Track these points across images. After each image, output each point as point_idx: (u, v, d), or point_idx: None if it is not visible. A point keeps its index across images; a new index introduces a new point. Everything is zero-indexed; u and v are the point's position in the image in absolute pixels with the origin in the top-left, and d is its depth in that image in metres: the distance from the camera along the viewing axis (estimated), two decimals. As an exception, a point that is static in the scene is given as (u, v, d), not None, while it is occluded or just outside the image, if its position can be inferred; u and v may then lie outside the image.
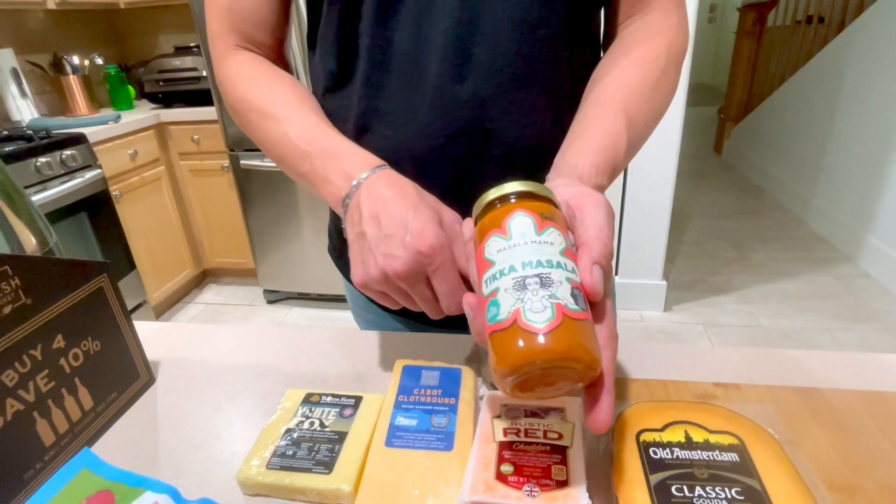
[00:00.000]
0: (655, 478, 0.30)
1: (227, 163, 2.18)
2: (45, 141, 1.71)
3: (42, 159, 1.68)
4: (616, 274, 2.15)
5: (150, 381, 0.48)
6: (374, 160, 0.42)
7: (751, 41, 3.63)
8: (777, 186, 3.25)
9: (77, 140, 1.81)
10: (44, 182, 1.70)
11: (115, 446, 0.41)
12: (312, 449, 0.36)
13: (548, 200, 0.32)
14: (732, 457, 0.31)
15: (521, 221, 0.30)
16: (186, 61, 2.22)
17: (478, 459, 0.33)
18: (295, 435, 0.38)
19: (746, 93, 3.78)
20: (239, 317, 2.34)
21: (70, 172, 1.78)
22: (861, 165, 2.40)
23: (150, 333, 0.55)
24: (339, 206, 0.41)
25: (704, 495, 0.29)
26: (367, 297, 0.63)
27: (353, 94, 0.50)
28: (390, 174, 0.40)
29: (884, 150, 2.25)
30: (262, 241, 2.26)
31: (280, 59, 0.56)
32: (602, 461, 0.35)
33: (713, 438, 0.32)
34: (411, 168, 0.45)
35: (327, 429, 0.38)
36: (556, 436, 0.34)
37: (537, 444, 0.34)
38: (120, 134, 2.00)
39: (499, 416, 0.36)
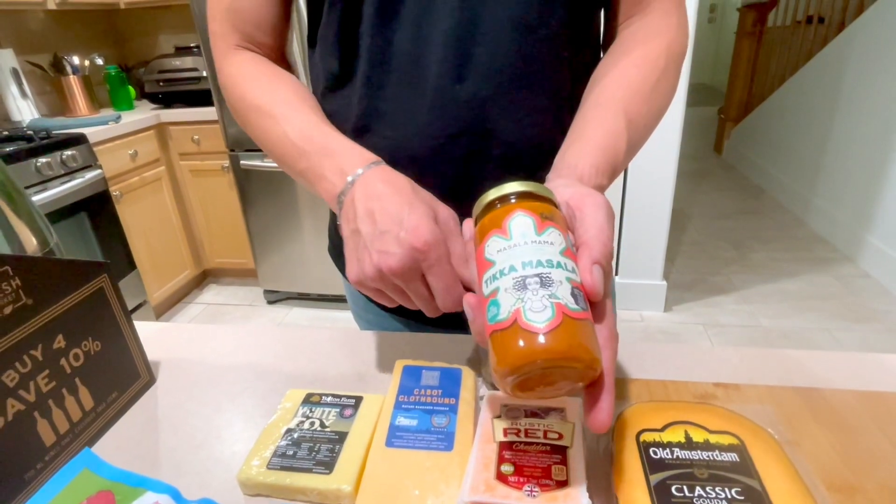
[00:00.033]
0: (655, 478, 0.30)
1: (227, 163, 2.18)
2: (45, 141, 1.72)
3: (42, 160, 1.68)
4: (616, 274, 2.15)
5: (151, 381, 0.48)
6: (370, 156, 0.42)
7: (751, 41, 3.63)
8: (777, 186, 3.25)
9: (77, 140, 1.81)
10: (44, 182, 1.70)
11: (116, 446, 0.41)
12: (313, 449, 0.36)
13: (548, 200, 0.32)
14: (732, 457, 0.31)
15: (521, 221, 0.30)
16: (187, 61, 2.22)
17: (478, 459, 0.33)
18: (295, 435, 0.38)
19: (746, 93, 3.78)
20: (239, 317, 2.34)
21: (70, 173, 1.78)
22: (861, 165, 2.40)
23: (150, 334, 0.55)
24: (335, 202, 0.41)
25: (704, 495, 0.29)
26: (367, 298, 0.63)
27: (353, 94, 0.50)
28: (385, 170, 0.40)
29: (884, 150, 2.25)
30: (263, 241, 2.26)
31: (281, 58, 0.56)
32: (602, 461, 0.35)
33: (713, 438, 0.32)
34: (411, 168, 0.45)
35: (328, 429, 0.38)
36: (556, 436, 0.34)
37: (537, 444, 0.34)
38: (120, 134, 2.00)
39: (499, 417, 0.36)
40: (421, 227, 0.35)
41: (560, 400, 0.37)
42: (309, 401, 0.41)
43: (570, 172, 0.39)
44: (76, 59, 2.22)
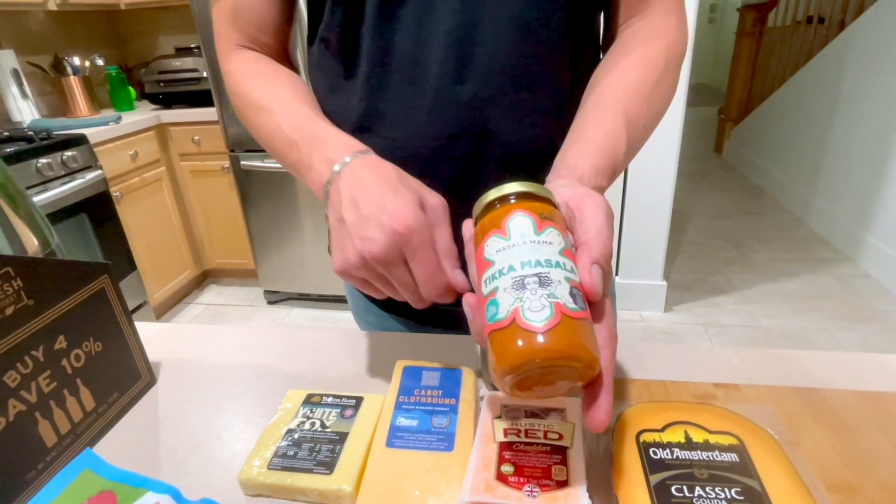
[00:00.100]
0: (655, 478, 0.30)
1: (227, 163, 2.18)
2: (45, 142, 1.72)
3: (43, 160, 1.69)
4: (616, 274, 2.15)
5: (152, 381, 0.48)
6: (357, 145, 0.42)
7: (751, 41, 3.63)
8: (777, 186, 3.25)
9: (78, 141, 1.81)
10: (45, 183, 1.70)
11: (117, 447, 0.41)
12: (313, 449, 0.36)
13: (547, 201, 0.32)
14: (732, 457, 0.31)
15: (520, 221, 0.30)
16: (187, 62, 2.22)
17: (478, 460, 0.33)
18: (296, 435, 0.38)
19: (746, 93, 3.78)
20: (239, 317, 2.34)
21: (71, 173, 1.79)
22: (861, 165, 2.40)
23: (151, 334, 0.55)
24: (322, 192, 0.41)
25: (704, 495, 0.29)
26: (367, 298, 0.63)
27: (353, 94, 0.51)
28: (372, 159, 0.40)
29: (884, 150, 2.25)
30: (263, 241, 2.26)
31: (285, 59, 0.56)
32: (602, 461, 0.35)
33: (713, 439, 0.32)
34: (412, 169, 0.45)
35: (328, 429, 0.38)
36: (556, 436, 0.34)
37: (537, 444, 0.34)
38: (120, 135, 2.00)
39: (499, 417, 0.36)
40: (403, 212, 0.35)
41: (560, 400, 0.37)
42: (309, 401, 0.41)
43: (569, 173, 0.39)
44: (77, 60, 2.22)
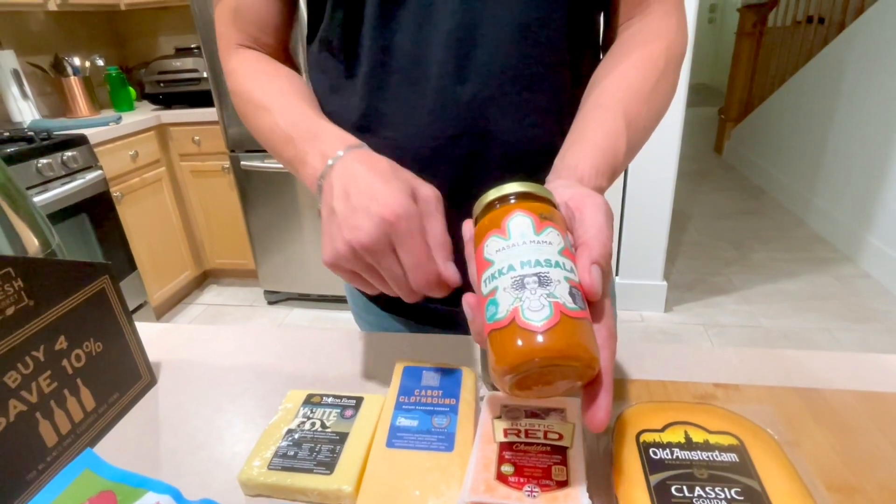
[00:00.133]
0: (655, 478, 0.30)
1: (227, 164, 2.18)
2: (46, 142, 1.72)
3: (43, 160, 1.69)
4: (616, 274, 2.15)
5: (152, 382, 0.48)
6: (351, 140, 0.42)
7: (751, 42, 3.63)
8: (777, 187, 3.25)
9: (78, 141, 1.81)
10: (45, 183, 1.70)
11: (117, 447, 0.41)
12: (314, 449, 0.36)
13: (547, 201, 0.32)
14: (732, 457, 0.31)
15: (519, 221, 0.30)
16: (187, 62, 2.22)
17: (478, 460, 0.33)
18: (296, 436, 0.38)
19: (746, 93, 3.78)
20: (240, 318, 2.34)
21: (71, 174, 1.79)
22: (861, 165, 2.40)
23: (151, 335, 0.55)
24: (315, 186, 0.41)
25: (704, 496, 0.29)
26: (367, 298, 0.63)
27: (354, 95, 0.51)
28: (365, 152, 0.40)
29: (884, 150, 2.25)
30: (263, 241, 2.26)
31: (286, 58, 0.56)
32: (602, 462, 0.35)
33: (713, 439, 0.32)
34: (412, 168, 0.45)
35: (328, 429, 0.38)
36: (556, 436, 0.34)
37: (538, 444, 0.34)
38: (121, 135, 2.01)
39: (499, 417, 0.36)
40: (391, 200, 0.35)
41: (560, 400, 0.37)
42: (310, 401, 0.41)
43: (569, 173, 0.39)
44: (77, 60, 2.22)
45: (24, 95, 2.10)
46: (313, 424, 0.39)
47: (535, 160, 0.49)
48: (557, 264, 0.29)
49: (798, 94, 3.03)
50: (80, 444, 0.40)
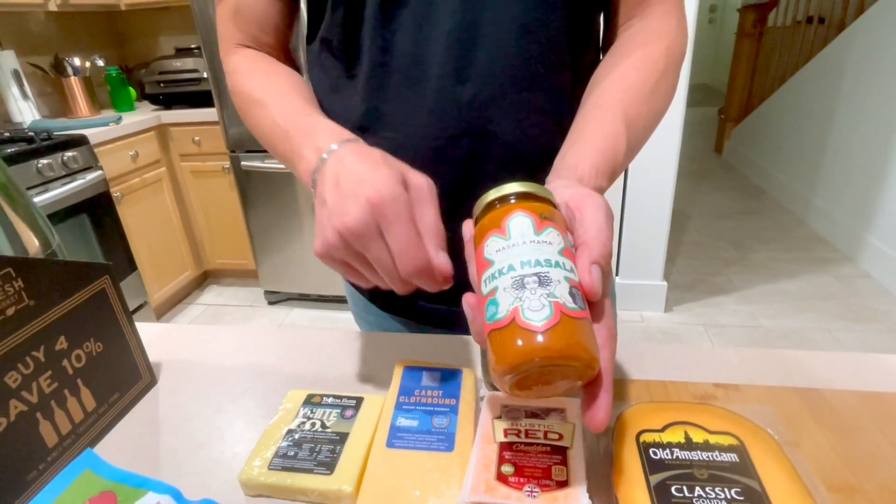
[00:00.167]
0: (655, 478, 0.30)
1: (227, 164, 2.18)
2: (46, 142, 1.72)
3: (43, 161, 1.69)
4: (616, 274, 2.15)
5: (152, 382, 0.48)
6: (346, 134, 0.41)
7: (751, 42, 3.63)
8: (777, 187, 3.25)
9: (78, 141, 1.81)
10: (45, 183, 1.70)
11: (118, 447, 0.41)
12: (314, 450, 0.36)
13: (547, 201, 0.32)
14: (732, 457, 0.31)
15: (520, 221, 0.30)
16: (187, 63, 2.22)
17: (478, 460, 0.33)
18: (296, 436, 0.38)
19: (746, 93, 3.78)
20: (240, 318, 2.34)
21: (71, 174, 1.79)
22: (861, 165, 2.40)
23: (151, 335, 0.55)
24: (310, 180, 0.40)
25: (704, 496, 0.29)
26: (367, 299, 0.63)
27: (354, 95, 0.51)
28: (359, 146, 0.39)
29: (884, 150, 2.25)
30: (263, 242, 2.26)
31: (287, 58, 0.56)
32: (602, 462, 0.35)
33: (713, 439, 0.32)
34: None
35: (329, 430, 0.38)
36: (556, 436, 0.34)
37: (538, 444, 0.34)
38: (121, 135, 2.01)
39: (499, 417, 0.36)
40: (379, 184, 0.34)
41: (560, 400, 0.37)
42: (310, 402, 0.41)
43: (569, 174, 0.39)
44: (77, 61, 2.22)
45: (25, 96, 2.10)
46: (313, 425, 0.39)
47: (535, 160, 0.49)
48: (557, 264, 0.29)
49: (798, 94, 3.03)
50: (81, 445, 0.40)
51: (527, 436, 0.34)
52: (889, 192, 2.22)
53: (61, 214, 1.75)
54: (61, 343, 0.39)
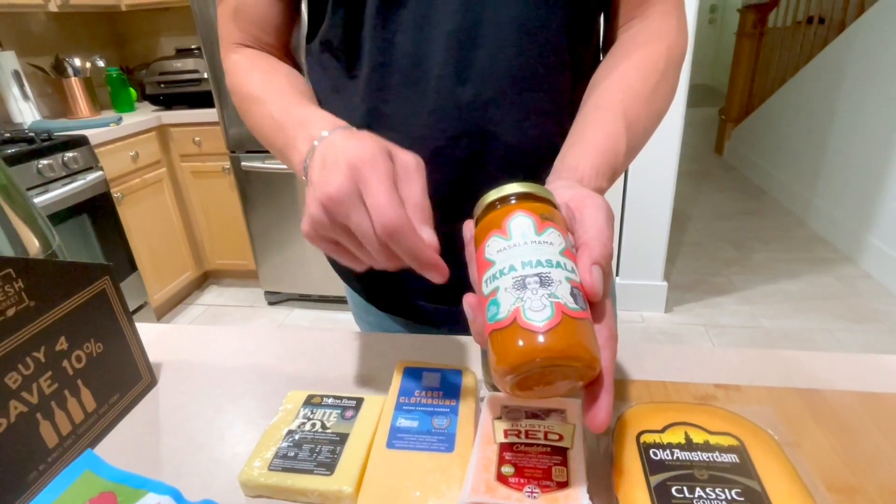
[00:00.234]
0: (656, 479, 0.30)
1: (228, 164, 2.18)
2: (46, 143, 1.72)
3: (44, 161, 1.69)
4: (617, 275, 2.15)
5: (153, 383, 0.48)
6: (339, 122, 0.41)
7: (751, 42, 3.63)
8: (778, 187, 3.25)
9: (78, 142, 1.81)
10: (45, 184, 1.71)
11: (118, 448, 0.41)
12: (314, 450, 0.36)
13: (547, 201, 0.32)
14: (732, 458, 0.31)
15: (521, 222, 0.30)
16: (188, 63, 2.22)
17: (478, 461, 0.33)
18: (297, 436, 0.38)
19: (747, 94, 3.78)
20: (240, 318, 2.34)
21: (71, 174, 1.79)
22: (862, 166, 2.40)
23: (151, 335, 0.56)
24: (302, 169, 0.40)
25: (704, 496, 0.29)
26: (366, 300, 0.63)
27: (355, 95, 0.51)
28: (350, 130, 0.39)
29: (884, 150, 2.25)
30: (264, 242, 2.26)
31: (287, 58, 0.56)
32: (602, 462, 0.35)
33: (713, 440, 0.32)
34: None
35: (329, 430, 0.38)
36: (556, 437, 0.34)
37: (538, 445, 0.34)
38: (121, 136, 2.01)
39: (499, 418, 0.36)
40: (360, 151, 0.33)
41: (560, 401, 0.37)
42: (310, 402, 0.41)
43: (570, 174, 0.39)
44: (77, 61, 2.22)
45: (25, 96, 2.11)
46: (314, 425, 0.39)
47: (535, 161, 0.49)
48: (559, 264, 0.29)
49: (798, 94, 3.03)
50: (81, 445, 0.40)
51: (527, 436, 0.34)
52: (889, 193, 2.22)
53: (62, 215, 1.75)
54: (61, 344, 0.39)
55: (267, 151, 2.12)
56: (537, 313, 0.27)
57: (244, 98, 0.50)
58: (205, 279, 2.65)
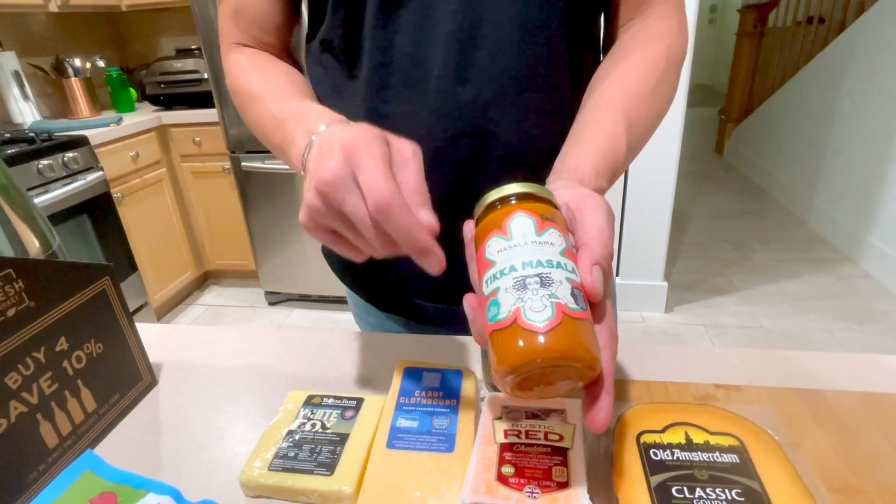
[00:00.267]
0: (656, 479, 0.30)
1: (228, 164, 2.18)
2: (46, 143, 1.72)
3: (44, 161, 1.69)
4: (617, 275, 2.15)
5: (153, 383, 0.48)
6: (337, 116, 0.41)
7: (751, 42, 3.63)
8: (778, 187, 3.25)
9: (79, 142, 1.81)
10: (46, 184, 1.71)
11: (118, 448, 0.41)
12: (314, 450, 0.36)
13: (548, 202, 0.32)
14: (733, 458, 0.31)
15: (521, 222, 0.30)
16: (188, 63, 2.22)
17: (479, 461, 0.33)
18: (297, 437, 0.38)
19: (747, 94, 3.78)
20: (240, 318, 2.34)
21: (72, 175, 1.79)
22: (862, 166, 2.40)
23: (152, 336, 0.56)
24: (300, 165, 0.39)
25: (705, 496, 0.29)
26: (366, 300, 0.63)
27: (355, 96, 0.51)
28: (349, 123, 0.38)
29: (884, 150, 2.25)
30: (264, 242, 2.26)
31: (288, 58, 0.56)
32: (603, 463, 0.35)
33: (713, 440, 0.32)
34: None
35: (329, 430, 0.38)
36: (556, 437, 0.34)
37: (538, 445, 0.34)
38: (121, 136, 2.01)
39: (500, 418, 0.36)
40: (353, 133, 0.33)
41: (561, 402, 0.37)
42: (310, 402, 0.41)
43: (570, 175, 0.39)
44: (78, 62, 2.22)
45: (25, 97, 2.11)
46: (314, 425, 0.39)
47: (535, 161, 0.49)
48: (559, 265, 0.29)
49: (798, 94, 3.03)
50: (81, 446, 0.40)
51: (527, 437, 0.34)
52: (889, 193, 2.22)
53: (62, 215, 1.75)
54: (62, 344, 0.39)
55: (267, 151, 2.12)
56: (538, 314, 0.27)
57: (244, 97, 0.50)
58: (205, 279, 2.65)
